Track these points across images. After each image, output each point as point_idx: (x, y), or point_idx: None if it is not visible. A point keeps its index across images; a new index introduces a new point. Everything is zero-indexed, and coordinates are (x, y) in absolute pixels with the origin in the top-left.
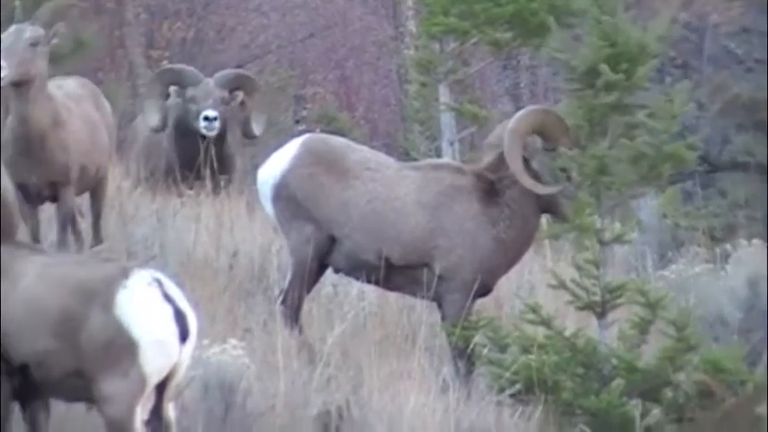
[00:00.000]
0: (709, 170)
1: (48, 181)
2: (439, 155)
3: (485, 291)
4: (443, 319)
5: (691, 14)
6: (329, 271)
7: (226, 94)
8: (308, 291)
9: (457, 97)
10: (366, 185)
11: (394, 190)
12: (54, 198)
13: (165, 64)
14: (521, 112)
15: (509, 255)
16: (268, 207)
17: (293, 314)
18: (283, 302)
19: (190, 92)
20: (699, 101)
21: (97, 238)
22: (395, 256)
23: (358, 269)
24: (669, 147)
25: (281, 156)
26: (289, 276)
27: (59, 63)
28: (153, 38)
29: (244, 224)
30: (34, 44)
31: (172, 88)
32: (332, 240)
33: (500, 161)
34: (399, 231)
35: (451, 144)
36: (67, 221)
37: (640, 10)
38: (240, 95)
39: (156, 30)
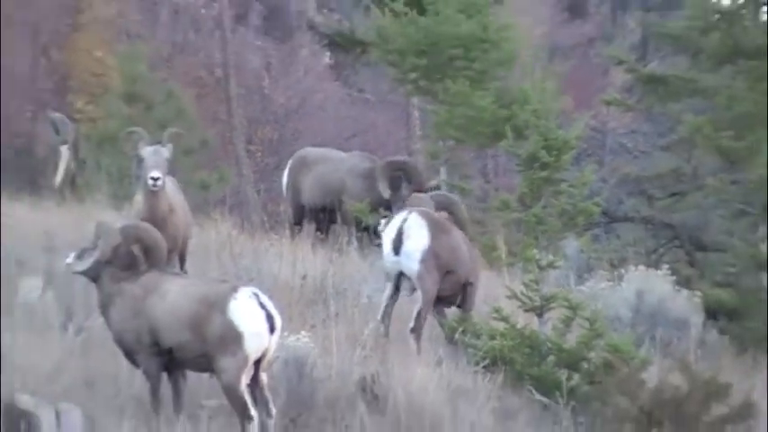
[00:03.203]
0: (609, 221)
1: None
2: None
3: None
4: (466, 310)
5: (597, 121)
6: (363, 285)
7: None
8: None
9: (451, 175)
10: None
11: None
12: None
13: (260, 156)
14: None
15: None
16: (413, 264)
17: (419, 335)
18: (414, 330)
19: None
20: (602, 177)
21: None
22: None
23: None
24: (582, 205)
25: (416, 228)
26: (420, 308)
27: (191, 155)
28: (251, 138)
29: (309, 258)
30: (168, 159)
31: None
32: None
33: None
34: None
35: None
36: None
37: (564, 118)
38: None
39: (253, 132)
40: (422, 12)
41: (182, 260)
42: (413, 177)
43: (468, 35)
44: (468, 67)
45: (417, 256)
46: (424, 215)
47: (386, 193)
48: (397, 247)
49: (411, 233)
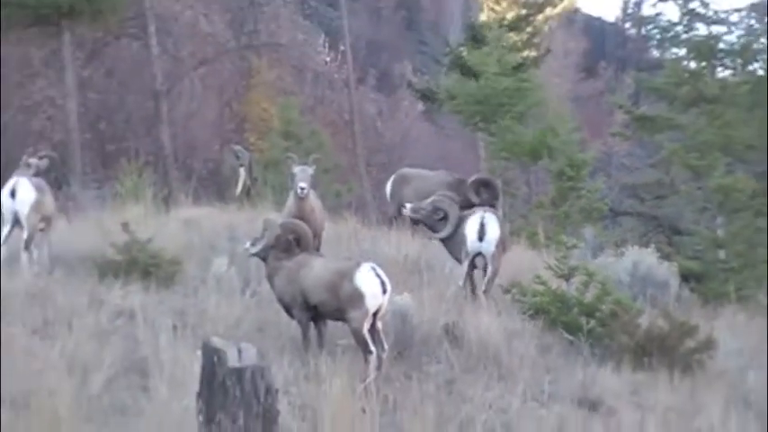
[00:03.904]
0: (614, 215)
1: None
2: None
3: None
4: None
5: (606, 147)
6: (446, 261)
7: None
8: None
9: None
10: None
11: None
12: None
13: (375, 174)
14: None
15: None
16: (491, 248)
17: (488, 294)
18: (485, 291)
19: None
20: (609, 186)
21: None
22: None
23: None
24: (596, 205)
25: (492, 224)
26: (491, 276)
27: (328, 173)
28: (369, 161)
29: (408, 242)
30: (311, 176)
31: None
32: None
33: None
34: None
35: None
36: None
37: (582, 145)
38: None
39: (370, 158)
40: (475, 75)
41: (318, 244)
42: (492, 189)
43: (507, 89)
44: (511, 110)
45: (494, 242)
46: (495, 214)
47: (474, 199)
48: (481, 236)
49: (489, 227)
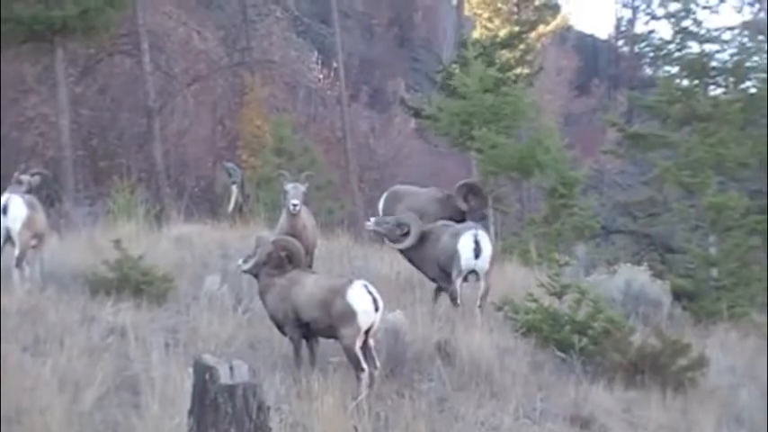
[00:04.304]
0: (606, 233)
1: None
2: None
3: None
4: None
5: (598, 164)
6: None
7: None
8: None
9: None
10: None
11: None
12: None
13: (367, 191)
14: None
15: None
16: (486, 265)
17: (482, 310)
18: (480, 307)
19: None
20: (602, 203)
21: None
22: None
23: None
24: (588, 222)
25: (485, 242)
26: (484, 293)
27: (320, 190)
28: (362, 178)
29: (401, 258)
30: (304, 193)
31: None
32: None
33: None
34: None
35: None
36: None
37: (574, 163)
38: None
39: (362, 175)
40: (461, 95)
41: (310, 261)
42: (479, 192)
43: (489, 105)
44: (495, 123)
45: (488, 259)
46: (486, 232)
47: (463, 206)
48: (477, 254)
49: (483, 244)
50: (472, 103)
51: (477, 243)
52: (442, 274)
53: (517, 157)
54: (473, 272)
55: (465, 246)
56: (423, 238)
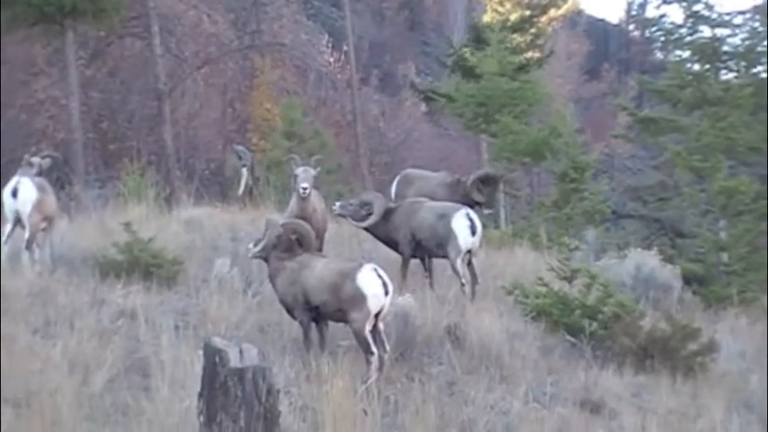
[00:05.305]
0: (617, 218)
1: None
2: None
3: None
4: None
5: (608, 149)
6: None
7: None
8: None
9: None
10: None
11: None
12: None
13: (378, 175)
14: None
15: None
16: (478, 243)
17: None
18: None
19: None
20: (612, 188)
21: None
22: None
23: None
24: (598, 207)
25: (479, 223)
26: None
27: (330, 174)
28: (372, 162)
29: None
30: (314, 176)
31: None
32: None
33: None
34: None
35: None
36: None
37: (585, 147)
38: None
39: (373, 158)
40: (477, 77)
41: (320, 245)
42: (494, 183)
43: (509, 90)
44: (512, 110)
45: (481, 236)
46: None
47: (478, 198)
48: (473, 231)
49: (477, 223)
50: (489, 86)
51: (471, 221)
52: (417, 246)
53: (532, 144)
54: (469, 251)
55: (461, 225)
56: (389, 213)
